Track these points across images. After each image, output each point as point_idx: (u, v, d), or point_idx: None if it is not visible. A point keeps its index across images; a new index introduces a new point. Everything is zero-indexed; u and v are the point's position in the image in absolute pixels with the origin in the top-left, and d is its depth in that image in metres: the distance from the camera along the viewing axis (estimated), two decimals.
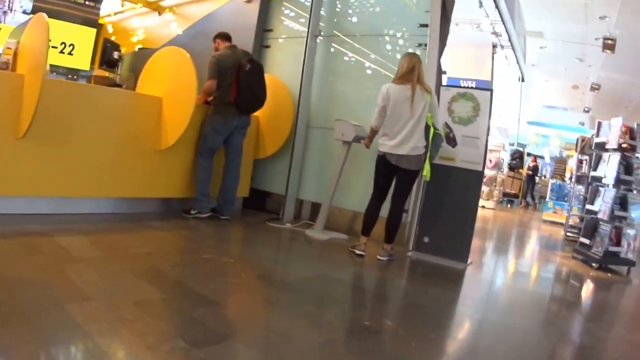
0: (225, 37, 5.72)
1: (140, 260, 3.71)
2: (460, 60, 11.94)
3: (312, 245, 5.25)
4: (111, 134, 4.80)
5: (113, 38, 8.66)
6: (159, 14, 8.54)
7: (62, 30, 6.98)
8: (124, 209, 5.14)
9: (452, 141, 5.19)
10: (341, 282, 4.11)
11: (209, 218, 5.54)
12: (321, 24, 6.35)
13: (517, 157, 16.86)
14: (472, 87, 5.28)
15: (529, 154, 17.83)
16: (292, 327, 2.88)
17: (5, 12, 6.72)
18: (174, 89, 5.10)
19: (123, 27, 9.63)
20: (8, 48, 4.15)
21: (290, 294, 3.58)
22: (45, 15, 3.83)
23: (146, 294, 3.03)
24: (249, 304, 3.31)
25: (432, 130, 4.69)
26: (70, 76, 6.86)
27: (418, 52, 5.30)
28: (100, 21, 9.43)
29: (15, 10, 6.69)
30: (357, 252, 4.83)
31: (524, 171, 16.55)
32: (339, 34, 6.28)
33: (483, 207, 13.06)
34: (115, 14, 9.80)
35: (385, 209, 4.88)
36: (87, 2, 7.57)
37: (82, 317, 2.46)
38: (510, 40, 10.57)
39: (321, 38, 6.35)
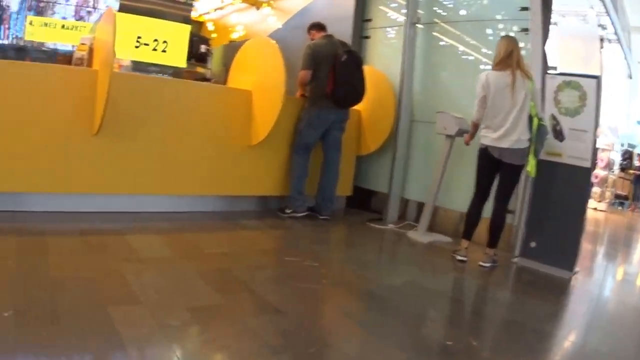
0: (319, 26, 5.40)
1: (213, 261, 3.48)
2: (568, 55, 10.92)
3: (412, 249, 4.77)
4: (195, 129, 4.67)
5: (214, 36, 8.71)
6: (257, 8, 8.48)
7: (154, 28, 7.05)
8: (217, 207, 4.99)
9: (559, 135, 4.50)
10: (433, 291, 3.60)
11: (306, 217, 5.24)
12: (420, 11, 5.83)
13: (627, 158, 15.37)
14: (577, 75, 4.52)
15: (639, 155, 16.11)
16: (358, 344, 2.48)
17: (89, 12, 6.89)
18: (262, 81, 4.89)
19: (223, 24, 9.75)
20: (82, 44, 4.11)
21: (370, 304, 3.17)
22: (114, 8, 3.71)
23: (205, 298, 2.77)
24: (319, 314, 2.94)
25: (535, 121, 4.13)
26: (162, 73, 6.89)
27: (519, 39, 4.64)
28: (199, 19, 9.55)
29: (99, 9, 6.83)
30: (458, 257, 4.36)
31: (633, 171, 14.98)
32: (438, 21, 5.74)
33: (595, 209, 12.11)
34: (215, 10, 9.91)
35: (489, 210, 4.35)
36: None
37: (121, 321, 2.26)
38: (616, 33, 9.52)
39: (420, 26, 5.83)
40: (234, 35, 9.25)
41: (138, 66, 6.02)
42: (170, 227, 4.24)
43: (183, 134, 4.57)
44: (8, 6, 7.63)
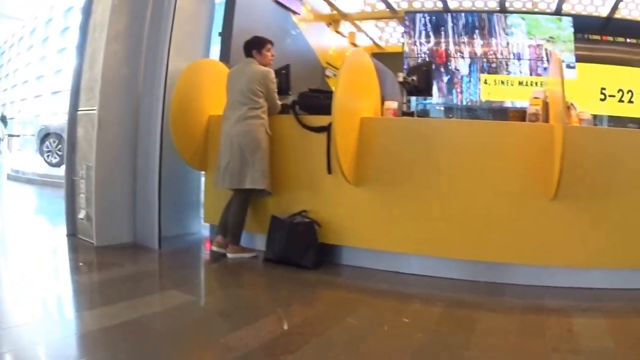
0: None
1: None
2: None
3: None
4: None
5: None
6: None
7: (619, 77, 6.29)
8: None
9: None
10: None
11: None
12: None
13: None
14: None
15: None
16: None
17: (545, 68, 6.61)
18: None
19: None
20: (535, 97, 3.85)
21: None
22: (567, 57, 3.35)
23: None
24: None
25: None
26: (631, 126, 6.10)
27: None
28: None
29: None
30: None
31: None
32: None
33: None
34: None
35: None
36: None
37: None
38: None
39: None
40: None
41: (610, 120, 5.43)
42: (624, 309, 3.47)
43: None
44: (457, 69, 8.23)
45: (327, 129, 4.03)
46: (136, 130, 4.64)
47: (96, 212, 4.41)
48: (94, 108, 4.44)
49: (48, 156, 11.71)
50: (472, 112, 8.83)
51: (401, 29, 11.28)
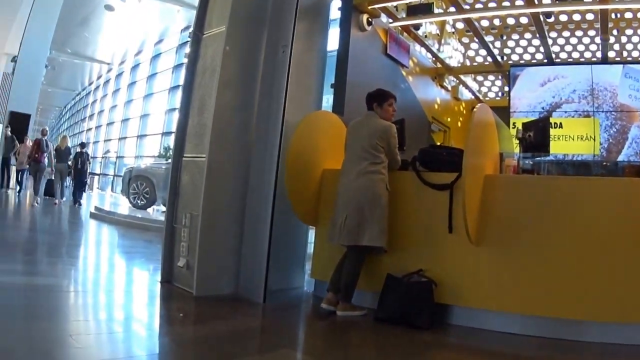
0: None
1: None
2: None
3: None
4: None
5: None
6: None
7: None
8: None
9: None
10: None
11: None
12: None
13: None
14: None
15: None
16: None
17: None
18: None
19: None
20: None
21: None
22: None
23: None
24: None
25: None
26: None
27: None
28: None
29: None
30: None
31: None
32: None
33: None
34: None
35: None
36: None
37: None
38: None
39: None
40: None
41: None
42: None
43: None
44: None
45: (450, 187, 4.02)
46: (245, 180, 4.71)
47: (198, 260, 4.41)
48: (202, 155, 4.55)
49: (134, 198, 12.13)
50: (585, 167, 8.64)
51: (501, 81, 11.36)
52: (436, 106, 9.48)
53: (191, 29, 5.15)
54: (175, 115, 16.88)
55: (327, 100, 5.79)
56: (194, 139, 4.78)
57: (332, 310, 4.18)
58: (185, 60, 5.06)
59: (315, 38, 5.23)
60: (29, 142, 13.87)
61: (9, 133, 14.83)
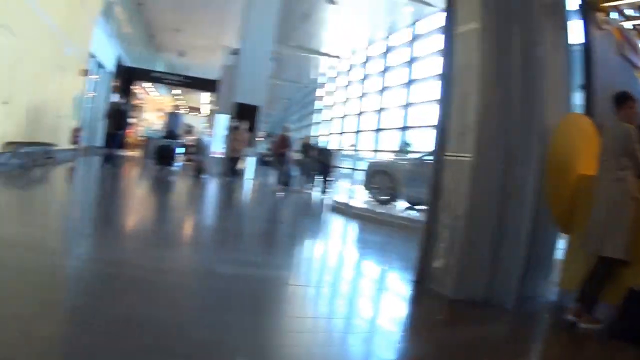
0: None
1: None
2: None
3: None
4: None
5: None
6: None
7: None
8: None
9: None
10: None
11: None
12: None
13: None
14: None
15: None
16: None
17: None
18: None
19: None
20: None
21: None
22: None
23: None
24: None
25: None
26: None
27: None
28: None
29: None
30: None
31: None
32: None
33: None
34: None
35: None
36: None
37: None
38: None
39: None
40: None
41: None
42: None
43: None
44: None
45: None
46: (504, 182, 4.61)
47: (458, 262, 4.54)
48: (467, 155, 4.60)
49: (376, 193, 12.43)
50: None
51: None
52: None
53: (443, 24, 5.18)
54: (412, 110, 17.08)
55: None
56: (457, 137, 4.81)
57: (574, 322, 4.13)
58: (438, 58, 5.07)
59: (560, 35, 5.08)
60: (244, 132, 15.58)
61: (238, 123, 15.83)
